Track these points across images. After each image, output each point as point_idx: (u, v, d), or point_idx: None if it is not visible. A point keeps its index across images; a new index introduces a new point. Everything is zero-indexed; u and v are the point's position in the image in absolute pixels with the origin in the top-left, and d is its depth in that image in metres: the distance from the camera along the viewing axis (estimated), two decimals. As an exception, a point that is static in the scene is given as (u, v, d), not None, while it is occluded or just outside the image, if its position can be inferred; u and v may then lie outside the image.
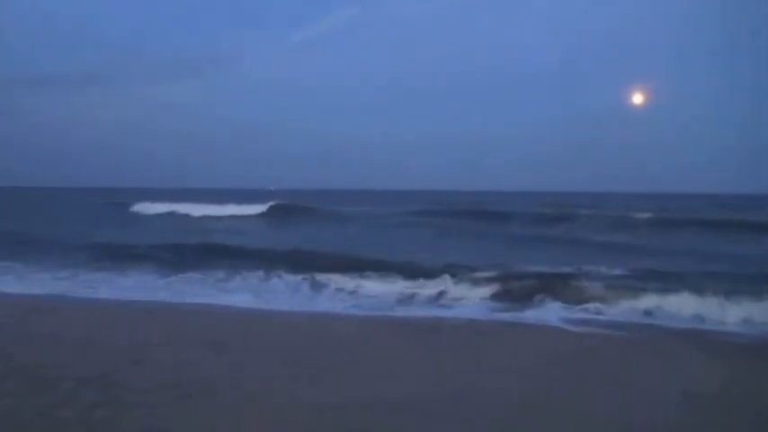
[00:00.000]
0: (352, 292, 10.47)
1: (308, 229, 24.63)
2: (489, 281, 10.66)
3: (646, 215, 27.38)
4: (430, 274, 11.19)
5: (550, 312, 8.80)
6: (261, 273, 11.69)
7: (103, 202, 43.78)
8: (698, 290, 9.02)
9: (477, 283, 10.62)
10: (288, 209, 32.62)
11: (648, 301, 9.05)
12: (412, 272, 11.43)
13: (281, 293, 10.50)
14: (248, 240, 18.18)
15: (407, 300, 9.92)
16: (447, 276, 10.81)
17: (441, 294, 10.03)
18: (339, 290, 10.60)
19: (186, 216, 31.58)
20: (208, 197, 42.01)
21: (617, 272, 11.70)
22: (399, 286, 10.62)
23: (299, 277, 11.36)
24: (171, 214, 32.78)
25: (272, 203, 32.75)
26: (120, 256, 14.07)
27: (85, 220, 27.36)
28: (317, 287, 10.82)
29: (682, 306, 8.74)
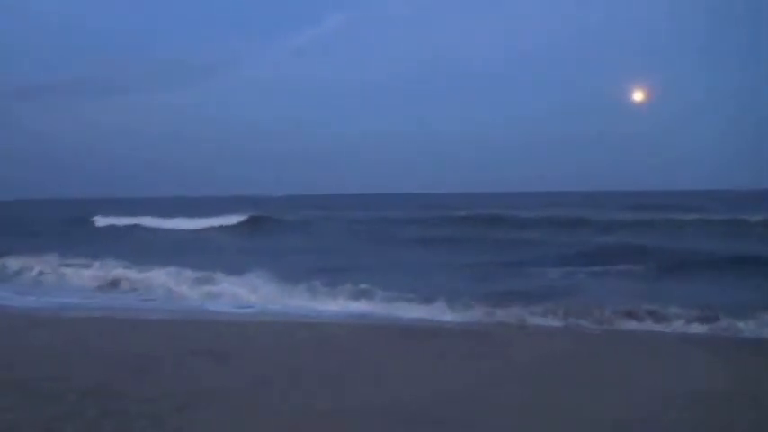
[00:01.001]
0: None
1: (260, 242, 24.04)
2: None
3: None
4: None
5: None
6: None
7: (66, 215, 39.80)
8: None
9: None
10: (262, 220, 31.16)
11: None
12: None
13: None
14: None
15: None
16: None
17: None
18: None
19: (135, 227, 31.03)
20: (197, 208, 41.38)
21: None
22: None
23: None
24: (132, 227, 31.47)
25: (249, 215, 31.40)
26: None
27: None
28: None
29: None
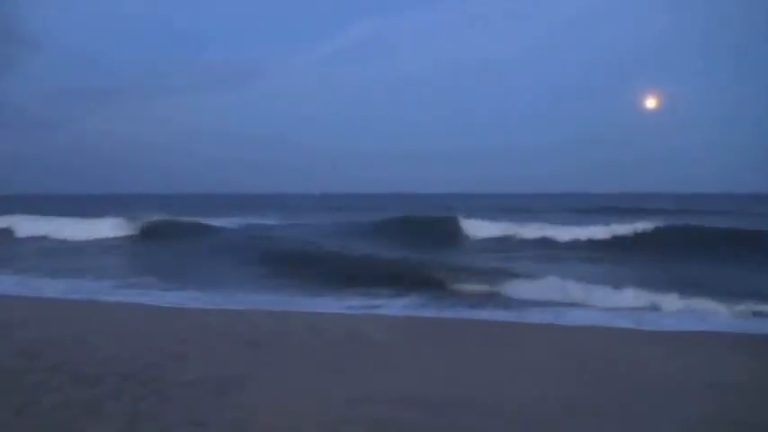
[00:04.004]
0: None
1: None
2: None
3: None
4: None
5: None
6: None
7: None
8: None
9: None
10: (163, 225, 25.04)
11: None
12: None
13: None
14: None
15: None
16: None
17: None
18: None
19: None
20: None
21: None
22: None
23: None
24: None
25: (147, 221, 25.44)
26: None
27: None
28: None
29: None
